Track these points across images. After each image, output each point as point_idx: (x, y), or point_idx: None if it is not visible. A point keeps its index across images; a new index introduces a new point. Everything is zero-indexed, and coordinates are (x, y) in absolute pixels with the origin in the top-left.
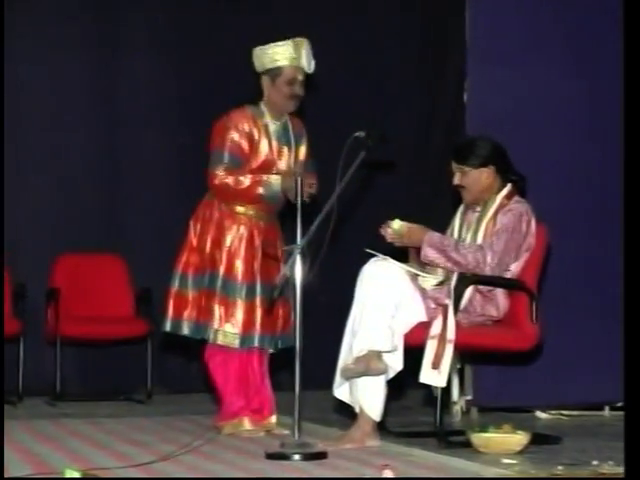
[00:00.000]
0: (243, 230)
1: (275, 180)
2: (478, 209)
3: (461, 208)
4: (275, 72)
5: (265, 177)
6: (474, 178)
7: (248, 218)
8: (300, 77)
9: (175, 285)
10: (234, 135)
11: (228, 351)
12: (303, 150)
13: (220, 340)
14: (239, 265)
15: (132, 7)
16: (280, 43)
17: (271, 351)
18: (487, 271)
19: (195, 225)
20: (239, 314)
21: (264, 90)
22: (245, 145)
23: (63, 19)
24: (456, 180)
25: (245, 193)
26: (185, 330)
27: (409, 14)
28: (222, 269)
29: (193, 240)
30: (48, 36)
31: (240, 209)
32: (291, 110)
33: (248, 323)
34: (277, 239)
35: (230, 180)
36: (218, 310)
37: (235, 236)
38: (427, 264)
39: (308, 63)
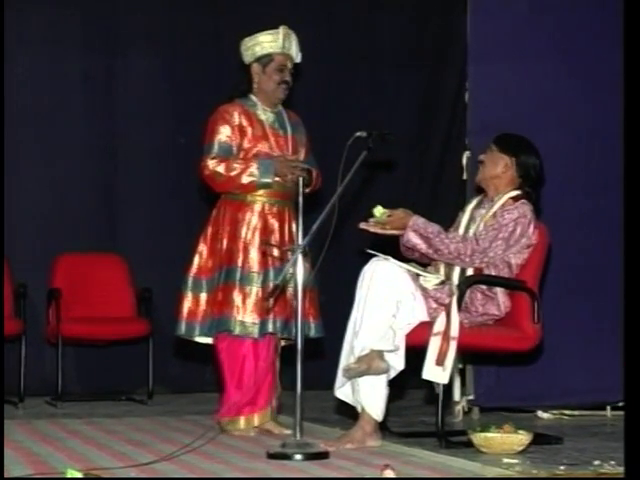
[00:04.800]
0: (256, 220)
1: (267, 164)
2: (486, 206)
3: (472, 203)
4: (266, 59)
5: (257, 162)
6: (493, 159)
7: (261, 205)
8: (289, 65)
9: (187, 290)
10: (222, 126)
11: (240, 343)
12: (303, 140)
13: (239, 331)
14: (254, 255)
15: (131, 6)
16: (271, 31)
17: (285, 336)
18: (467, 262)
19: (206, 229)
20: (256, 303)
21: (254, 79)
22: (235, 136)
23: (61, 18)
24: (482, 156)
25: (237, 179)
26: (199, 334)
27: (409, 14)
28: (240, 261)
29: (204, 246)
30: (46, 35)
31: (251, 198)
32: (281, 97)
33: (263, 310)
34: (291, 226)
35: (221, 168)
36: (237, 301)
37: (249, 227)
38: (409, 249)
39: (296, 53)
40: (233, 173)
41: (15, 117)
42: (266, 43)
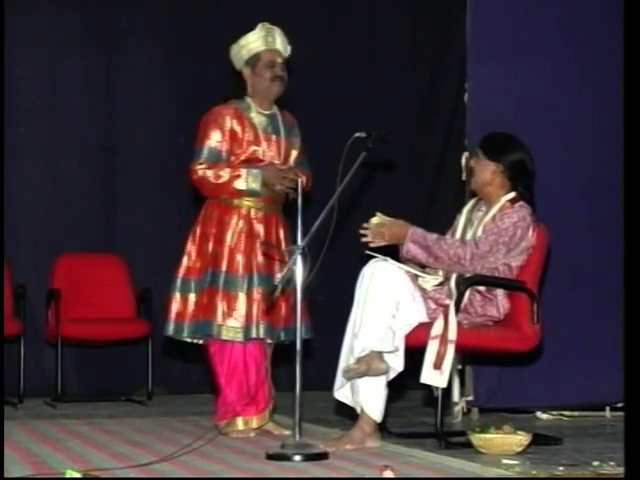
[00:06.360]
0: (242, 224)
1: (255, 173)
2: (483, 208)
3: (469, 205)
4: (254, 59)
5: (245, 171)
6: (481, 167)
7: (247, 210)
8: (279, 60)
9: (176, 290)
10: (214, 131)
11: (232, 346)
12: (297, 143)
13: (224, 335)
14: (240, 259)
15: (131, 6)
16: (252, 32)
17: (269, 341)
18: (467, 267)
19: (195, 229)
20: (241, 308)
21: (247, 82)
22: (226, 140)
23: (61, 18)
24: (471, 162)
25: (224, 187)
26: (187, 334)
27: (409, 14)
28: (224, 265)
29: (192, 246)
30: (46, 35)
31: (238, 202)
32: (277, 93)
33: (249, 315)
34: (278, 231)
35: (209, 174)
36: (221, 306)
37: (235, 231)
38: (409, 260)
39: (284, 47)
40: (221, 180)
41: (15, 117)
42: (250, 44)
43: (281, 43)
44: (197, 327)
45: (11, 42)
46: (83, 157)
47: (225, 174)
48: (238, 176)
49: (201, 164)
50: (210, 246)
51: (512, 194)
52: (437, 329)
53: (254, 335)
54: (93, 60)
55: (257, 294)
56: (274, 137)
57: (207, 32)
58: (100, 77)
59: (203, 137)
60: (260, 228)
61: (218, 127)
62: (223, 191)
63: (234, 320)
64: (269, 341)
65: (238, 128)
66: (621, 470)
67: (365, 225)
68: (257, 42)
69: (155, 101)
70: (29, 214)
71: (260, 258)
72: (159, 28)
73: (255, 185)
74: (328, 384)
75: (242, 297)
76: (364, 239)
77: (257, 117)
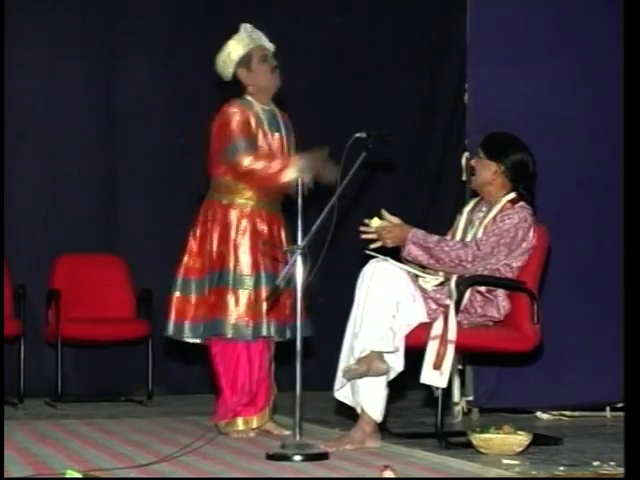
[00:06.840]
0: (246, 223)
1: (303, 162)
2: (483, 209)
3: (469, 206)
4: (246, 59)
5: (293, 160)
6: (482, 167)
7: (250, 209)
8: (269, 53)
9: (177, 290)
10: (237, 125)
11: (234, 345)
12: (293, 141)
13: (232, 334)
14: (245, 258)
15: (131, 6)
16: (235, 35)
17: (276, 339)
18: (469, 269)
19: (195, 229)
20: (249, 306)
21: (245, 82)
22: (249, 132)
23: (61, 18)
24: (473, 162)
25: (273, 177)
26: (188, 335)
27: (409, 14)
28: (232, 264)
29: (194, 245)
30: (46, 35)
31: (241, 201)
32: (278, 83)
33: (257, 313)
34: (280, 230)
35: (259, 165)
36: (230, 304)
37: (239, 230)
38: (410, 261)
39: (267, 43)
40: (270, 171)
41: (15, 117)
42: (237, 46)
43: (265, 39)
44: (205, 327)
45: (11, 42)
46: (83, 157)
47: (275, 164)
48: (288, 164)
49: (246, 156)
50: (214, 246)
51: (513, 194)
52: (437, 329)
53: (264, 333)
54: (93, 60)
55: (265, 292)
56: (277, 134)
57: (207, 32)
58: (100, 77)
59: (231, 132)
60: (263, 227)
61: (240, 117)
62: (271, 181)
63: (242, 318)
64: (276, 339)
65: (253, 122)
66: (621, 470)
67: (366, 221)
68: (244, 41)
69: (155, 101)
70: (29, 214)
71: (261, 256)
72: (159, 28)
73: (304, 173)
74: (328, 384)
75: (249, 295)
76: (364, 236)
77: (262, 113)
